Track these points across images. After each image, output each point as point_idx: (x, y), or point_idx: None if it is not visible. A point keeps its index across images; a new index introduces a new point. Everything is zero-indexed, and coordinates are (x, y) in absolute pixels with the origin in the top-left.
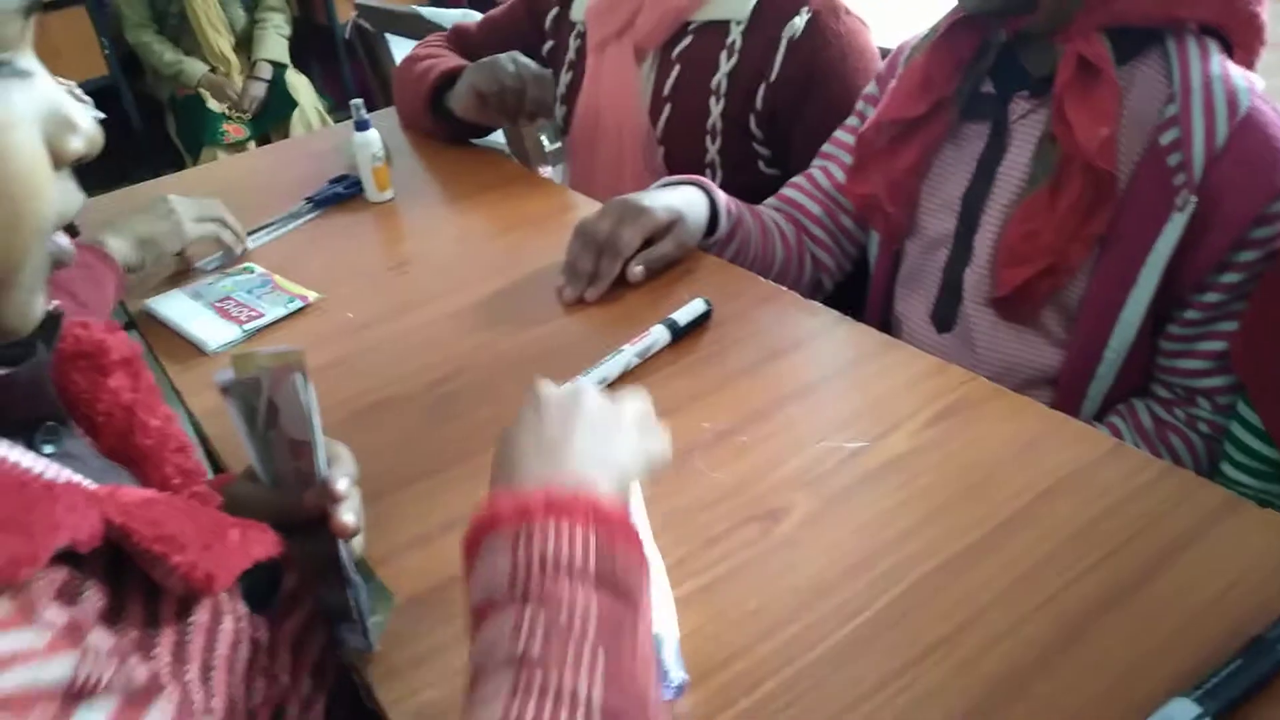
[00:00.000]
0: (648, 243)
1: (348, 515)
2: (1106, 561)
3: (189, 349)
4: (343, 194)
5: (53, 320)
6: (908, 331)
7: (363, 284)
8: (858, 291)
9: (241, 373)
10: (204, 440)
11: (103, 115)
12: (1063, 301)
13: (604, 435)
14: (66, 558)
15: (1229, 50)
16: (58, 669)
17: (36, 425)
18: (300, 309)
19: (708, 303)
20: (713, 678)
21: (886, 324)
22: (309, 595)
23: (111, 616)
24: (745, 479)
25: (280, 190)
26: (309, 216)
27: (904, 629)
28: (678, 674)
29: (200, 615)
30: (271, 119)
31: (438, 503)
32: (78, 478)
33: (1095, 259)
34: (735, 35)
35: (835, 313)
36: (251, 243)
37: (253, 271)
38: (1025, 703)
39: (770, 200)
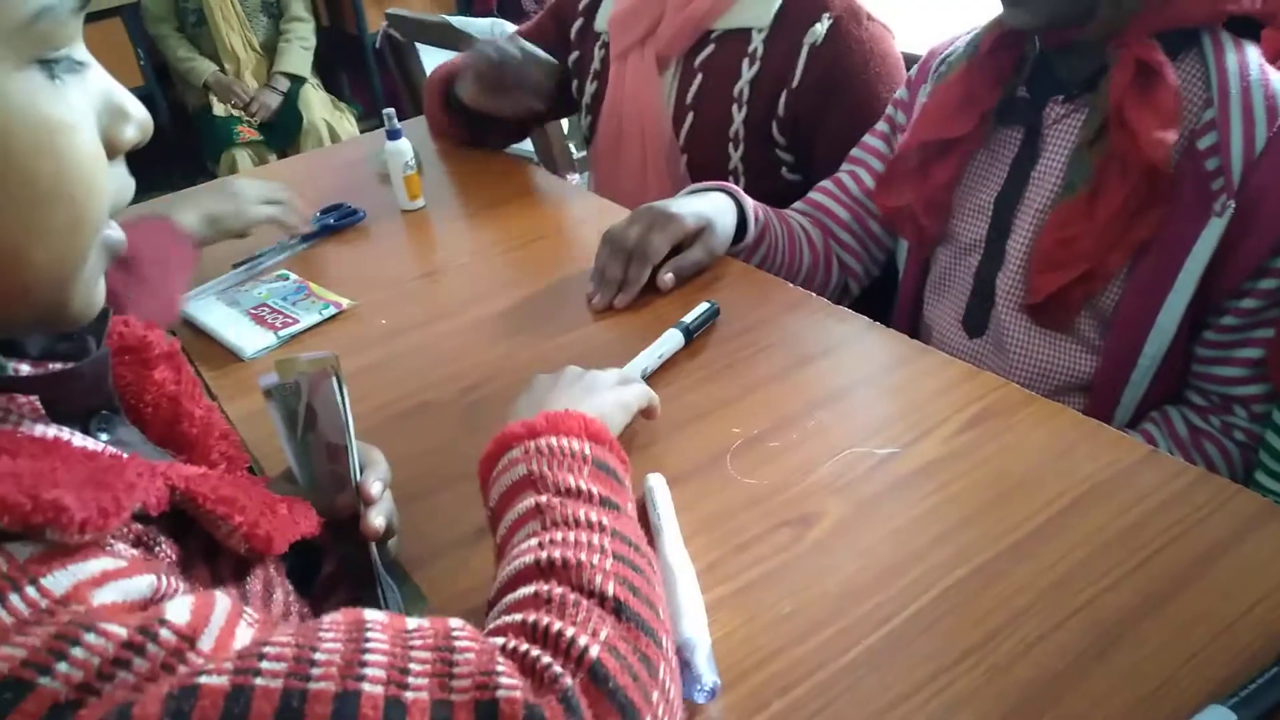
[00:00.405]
0: (677, 249)
1: (378, 519)
2: (1142, 568)
3: (225, 354)
4: (334, 225)
5: (102, 317)
6: (937, 337)
7: (395, 291)
8: (885, 298)
9: (284, 377)
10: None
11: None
12: (1097, 307)
13: (584, 391)
14: (137, 520)
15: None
16: (143, 584)
17: (90, 415)
18: (334, 315)
19: (713, 304)
20: (745, 681)
21: (915, 330)
22: (344, 582)
23: (183, 569)
24: (777, 484)
25: (308, 202)
26: (300, 248)
27: (937, 635)
28: (710, 677)
29: (254, 584)
30: (281, 133)
31: (471, 508)
32: None
33: (1131, 265)
34: (757, 43)
35: (865, 318)
36: (233, 277)
37: (287, 278)
38: (1059, 710)
39: (798, 205)
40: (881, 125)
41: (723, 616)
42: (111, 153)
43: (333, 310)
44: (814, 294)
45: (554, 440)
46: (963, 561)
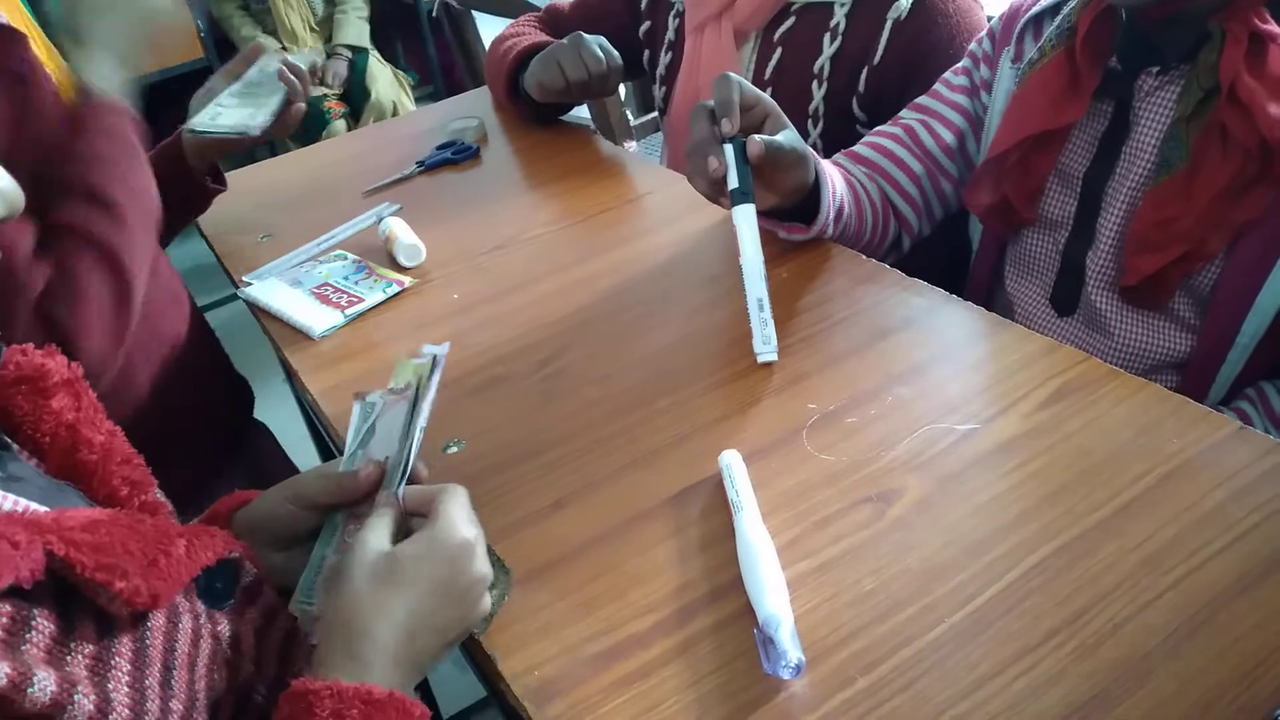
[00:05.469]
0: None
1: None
2: (1234, 547)
3: (297, 334)
4: (452, 158)
5: None
6: (1021, 314)
7: (466, 265)
8: (955, 271)
9: (398, 380)
10: (320, 420)
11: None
12: (1193, 287)
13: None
14: (11, 593)
15: None
16: None
17: None
18: (399, 293)
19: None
20: (830, 657)
21: (990, 306)
22: (266, 586)
23: (63, 639)
24: (855, 461)
25: (385, 170)
26: (415, 171)
27: (1023, 613)
28: (795, 654)
29: (157, 619)
30: (351, 105)
31: (549, 480)
32: (24, 501)
33: (1231, 244)
34: (839, 17)
35: (941, 291)
36: (295, 257)
37: (345, 258)
38: (1149, 690)
39: (863, 149)
40: (959, 78)
41: (804, 593)
42: None
43: (395, 288)
44: (887, 266)
45: None
46: (1047, 539)
